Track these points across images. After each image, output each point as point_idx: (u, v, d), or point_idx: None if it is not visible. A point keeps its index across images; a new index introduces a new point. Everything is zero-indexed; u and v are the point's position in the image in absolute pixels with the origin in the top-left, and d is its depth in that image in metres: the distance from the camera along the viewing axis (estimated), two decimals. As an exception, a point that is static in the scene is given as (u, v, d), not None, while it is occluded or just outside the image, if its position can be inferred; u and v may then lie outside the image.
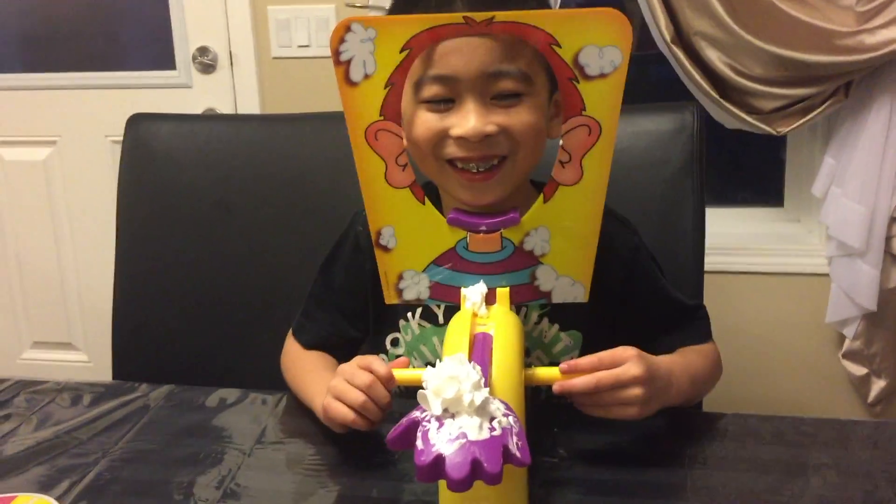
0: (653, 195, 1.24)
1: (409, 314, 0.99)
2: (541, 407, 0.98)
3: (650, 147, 1.25)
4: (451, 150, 0.83)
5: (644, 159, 1.25)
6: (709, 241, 1.24)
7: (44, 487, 0.84)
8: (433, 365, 0.96)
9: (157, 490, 0.84)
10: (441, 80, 0.81)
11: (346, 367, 0.84)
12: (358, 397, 0.81)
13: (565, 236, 0.82)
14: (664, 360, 0.87)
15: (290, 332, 1.08)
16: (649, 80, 2.17)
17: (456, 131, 0.81)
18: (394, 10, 0.91)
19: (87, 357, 2.40)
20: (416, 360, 1.00)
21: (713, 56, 1.75)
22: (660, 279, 1.03)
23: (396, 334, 1.02)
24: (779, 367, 2.01)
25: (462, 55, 0.79)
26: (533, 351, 0.98)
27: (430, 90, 0.82)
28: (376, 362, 0.81)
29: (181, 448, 0.91)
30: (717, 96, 1.76)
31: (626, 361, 0.80)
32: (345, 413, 0.82)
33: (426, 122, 0.83)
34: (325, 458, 0.89)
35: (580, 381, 0.80)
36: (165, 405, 1.02)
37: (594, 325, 0.96)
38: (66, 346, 2.41)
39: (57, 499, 0.81)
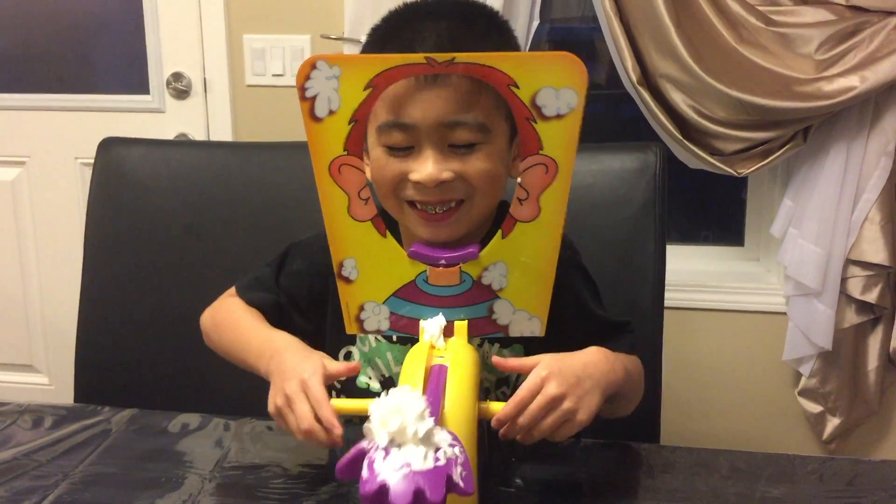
0: (615, 232, 1.27)
1: None
2: (499, 438, 1.00)
3: (613, 185, 1.28)
4: (410, 192, 0.87)
5: (607, 197, 1.28)
6: (670, 277, 1.27)
7: (1, 509, 0.84)
8: (387, 378, 0.97)
9: (116, 514, 0.84)
10: (401, 128, 0.85)
11: (293, 392, 0.83)
12: (300, 429, 0.82)
13: (522, 271, 0.84)
14: (576, 356, 0.86)
15: (233, 290, 1.08)
16: (620, 118, 2.21)
17: (414, 176, 0.85)
18: (366, 49, 0.94)
19: (48, 380, 2.38)
20: (371, 369, 1.02)
21: (678, 98, 1.79)
22: (583, 295, 1.04)
23: (351, 348, 1.03)
24: (736, 403, 2.04)
25: (421, 105, 0.83)
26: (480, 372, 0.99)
27: (391, 137, 0.86)
28: (324, 406, 0.81)
29: (142, 472, 0.92)
30: (680, 137, 1.81)
31: (540, 388, 0.81)
32: (294, 432, 0.84)
33: (386, 164, 0.87)
34: (285, 485, 0.90)
35: (504, 411, 0.80)
36: (127, 429, 1.02)
37: (532, 338, 0.96)
38: (28, 369, 2.39)
39: (15, 521, 0.82)
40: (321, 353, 0.89)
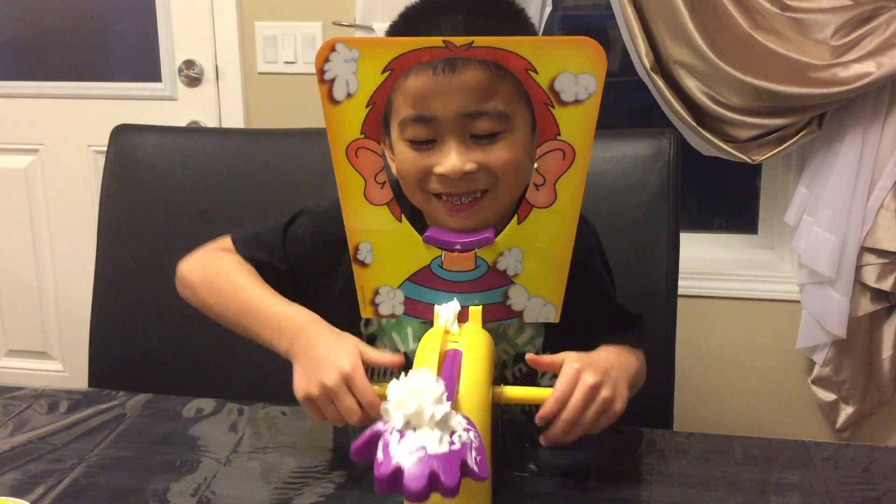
0: (628, 219, 1.26)
1: None
2: (513, 423, 1.00)
3: (627, 172, 1.28)
4: (435, 185, 0.87)
5: (621, 184, 1.27)
6: (684, 265, 1.26)
7: (18, 492, 0.84)
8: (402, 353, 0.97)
9: (132, 497, 0.85)
10: (422, 121, 0.85)
11: (335, 384, 0.82)
12: (337, 419, 0.83)
13: (538, 257, 0.84)
14: (596, 352, 0.89)
15: (227, 240, 1.03)
16: (632, 105, 2.21)
17: (438, 169, 0.85)
18: (394, 31, 0.93)
19: (62, 367, 2.39)
20: (384, 345, 1.01)
21: (691, 85, 1.79)
22: (606, 283, 1.05)
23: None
24: (749, 392, 2.04)
25: (440, 97, 0.83)
26: (498, 344, 0.98)
27: (414, 131, 0.85)
28: (374, 405, 0.80)
29: (157, 456, 0.92)
30: (694, 124, 1.80)
31: (577, 380, 0.82)
32: (332, 420, 0.84)
33: (411, 159, 0.87)
34: (300, 468, 0.90)
35: (546, 408, 0.82)
36: (142, 413, 1.03)
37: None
38: (42, 356, 2.40)
39: (32, 503, 0.82)
40: (353, 338, 0.87)
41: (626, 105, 2.22)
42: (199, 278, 1.01)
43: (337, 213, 0.95)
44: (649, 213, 1.26)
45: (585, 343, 0.89)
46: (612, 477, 0.89)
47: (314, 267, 1.02)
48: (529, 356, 0.86)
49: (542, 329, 1.00)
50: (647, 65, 1.78)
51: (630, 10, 1.76)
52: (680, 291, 1.25)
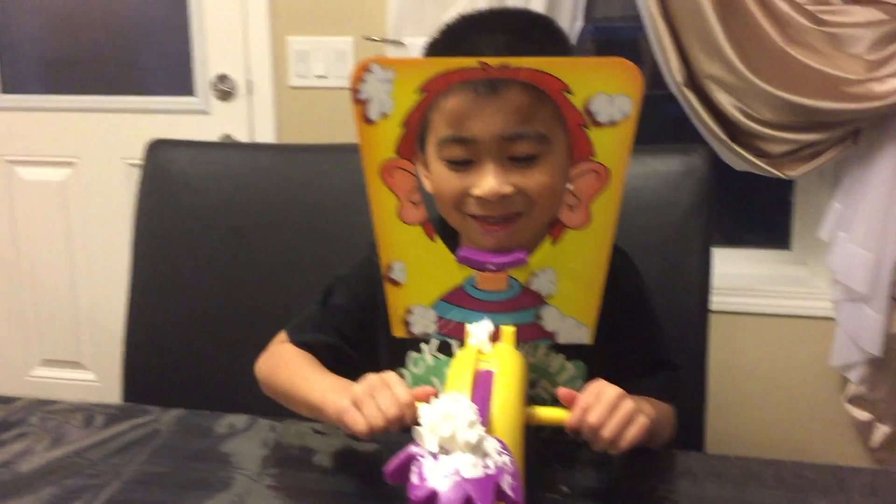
0: (660, 236, 1.25)
1: (425, 344, 1.01)
2: (545, 444, 1.00)
3: (659, 188, 1.27)
4: (472, 207, 0.88)
5: (652, 200, 1.27)
6: (716, 281, 1.25)
7: (56, 507, 0.85)
8: None
9: (167, 513, 0.85)
10: (461, 142, 0.85)
11: (375, 381, 0.84)
12: (378, 420, 0.82)
13: (571, 278, 0.84)
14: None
15: (284, 334, 1.09)
16: (662, 119, 2.19)
17: (475, 192, 0.86)
18: (433, 49, 0.93)
19: (96, 376, 2.42)
20: None
21: (724, 99, 1.77)
22: (646, 327, 1.05)
23: (403, 371, 1.03)
24: (782, 410, 2.01)
25: (480, 119, 0.83)
26: (539, 381, 0.99)
27: (452, 151, 0.86)
28: (406, 395, 0.82)
29: (192, 472, 0.93)
30: (726, 139, 1.78)
31: (600, 392, 0.83)
32: (356, 423, 0.83)
33: (448, 180, 0.88)
34: (332, 486, 0.90)
35: (574, 415, 0.82)
36: (177, 429, 1.03)
37: (596, 355, 0.97)
38: (75, 365, 2.43)
39: (68, 519, 0.83)
40: None
41: (655, 118, 2.20)
42: (265, 373, 1.08)
43: (362, 271, 1.02)
44: (681, 230, 1.25)
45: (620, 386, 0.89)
46: (644, 499, 0.88)
47: (362, 329, 1.06)
48: (562, 391, 0.85)
49: (582, 372, 1.00)
50: (680, 79, 1.77)
51: (662, 25, 1.76)
52: (711, 307, 1.24)
